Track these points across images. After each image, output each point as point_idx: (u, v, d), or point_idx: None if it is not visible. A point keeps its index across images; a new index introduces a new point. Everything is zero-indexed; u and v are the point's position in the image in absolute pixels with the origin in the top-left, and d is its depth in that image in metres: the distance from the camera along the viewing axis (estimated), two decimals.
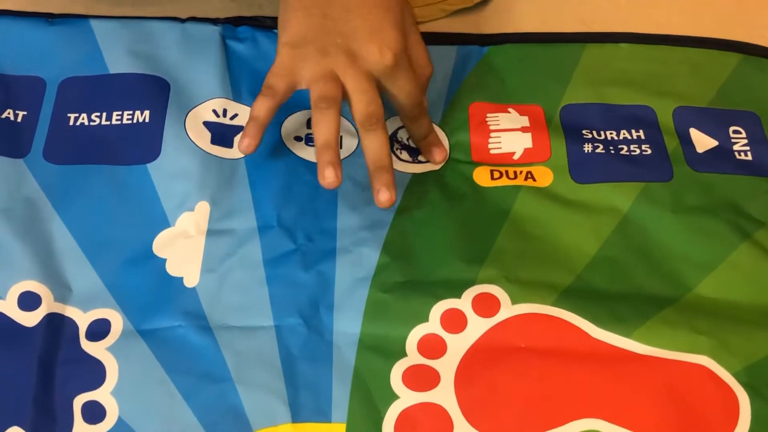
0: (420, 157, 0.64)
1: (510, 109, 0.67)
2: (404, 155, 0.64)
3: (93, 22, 0.68)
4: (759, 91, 0.69)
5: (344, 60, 0.58)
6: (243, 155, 0.63)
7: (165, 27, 0.69)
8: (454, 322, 0.57)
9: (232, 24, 0.69)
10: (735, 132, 0.67)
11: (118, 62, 0.66)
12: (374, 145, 0.58)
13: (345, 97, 0.58)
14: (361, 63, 0.58)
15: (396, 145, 0.65)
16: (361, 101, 0.58)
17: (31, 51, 0.67)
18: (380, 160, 0.58)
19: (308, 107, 0.64)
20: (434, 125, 0.65)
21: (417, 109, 0.61)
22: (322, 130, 0.57)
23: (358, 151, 0.64)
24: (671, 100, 0.68)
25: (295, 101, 0.64)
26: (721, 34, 0.72)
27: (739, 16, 0.74)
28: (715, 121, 0.67)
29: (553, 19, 0.73)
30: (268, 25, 0.69)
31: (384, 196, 0.57)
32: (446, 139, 0.65)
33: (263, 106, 0.58)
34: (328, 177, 0.56)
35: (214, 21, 0.69)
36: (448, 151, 0.65)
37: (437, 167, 0.64)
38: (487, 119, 0.66)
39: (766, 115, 0.67)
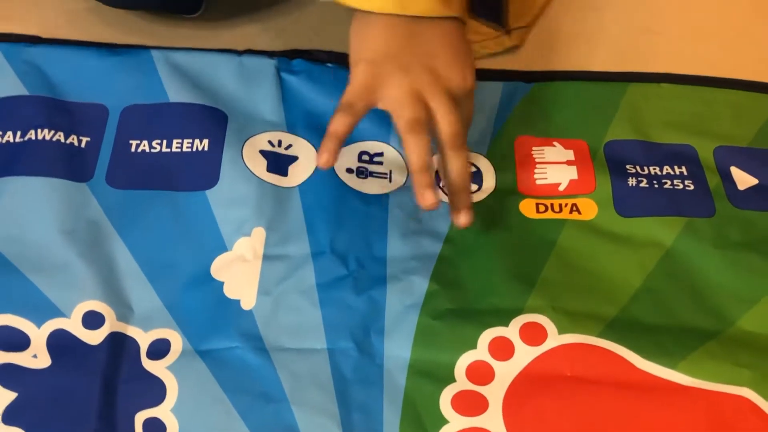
0: None
1: (555, 143, 0.69)
2: None
3: (154, 53, 0.71)
4: None
5: (428, 78, 0.59)
6: (296, 183, 0.65)
7: (223, 59, 0.71)
8: (502, 349, 0.58)
9: (287, 57, 0.72)
10: None
11: (178, 91, 0.69)
12: (459, 165, 0.60)
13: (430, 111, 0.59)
14: (444, 82, 0.59)
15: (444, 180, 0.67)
16: (449, 122, 0.59)
17: (94, 79, 0.70)
18: (463, 181, 0.60)
19: (360, 140, 0.67)
20: (482, 156, 0.68)
21: (465, 137, 0.62)
22: (418, 155, 0.58)
23: (408, 184, 0.66)
24: (712, 139, 0.70)
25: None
26: (758, 72, 0.74)
27: None
28: (755, 159, 0.69)
29: (595, 56, 0.76)
30: (322, 58, 0.72)
31: (464, 219, 0.60)
32: (493, 170, 0.67)
33: (341, 122, 0.59)
34: (428, 199, 0.58)
35: (269, 54, 0.72)
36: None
37: (482, 197, 0.66)
38: (532, 152, 0.68)
39: None
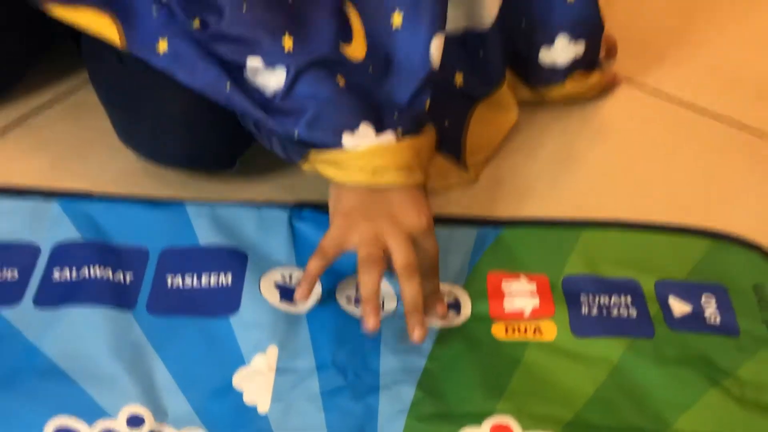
0: (450, 312, 0.79)
1: (521, 277, 0.82)
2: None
3: (188, 205, 0.86)
4: (727, 268, 0.84)
5: (388, 223, 0.74)
6: (304, 310, 0.78)
7: (244, 210, 0.86)
8: None
9: (298, 208, 0.86)
10: (706, 300, 0.81)
11: (207, 237, 0.83)
12: (411, 290, 0.72)
13: (387, 252, 0.73)
14: (402, 225, 0.74)
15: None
16: (401, 255, 0.73)
17: (137, 227, 0.84)
18: (416, 303, 0.72)
19: (357, 273, 0.80)
20: (460, 288, 0.81)
21: (436, 267, 0.77)
22: (367, 285, 0.72)
23: (398, 310, 0.79)
24: (653, 274, 0.83)
25: (347, 268, 0.80)
26: (695, 219, 0.89)
27: (710, 207, 0.91)
28: (690, 291, 0.82)
29: (555, 205, 0.90)
30: (326, 207, 0.86)
31: (417, 333, 0.72)
32: (469, 300, 0.80)
33: (316, 265, 0.74)
34: (369, 323, 0.70)
35: (283, 205, 0.87)
36: (447, 309, 0.78)
37: (460, 322, 0.79)
38: (502, 284, 0.82)
39: (732, 287, 0.82)
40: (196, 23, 0.76)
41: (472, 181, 0.92)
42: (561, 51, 0.96)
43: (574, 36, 0.95)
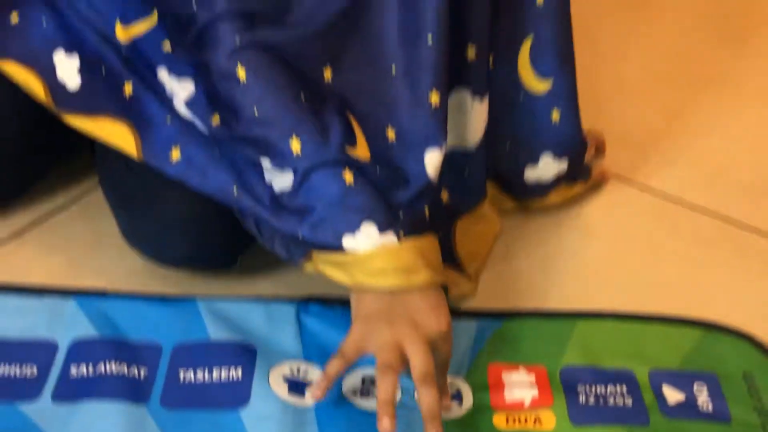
0: (452, 403, 0.82)
1: (520, 368, 0.86)
2: None
3: (199, 302, 0.90)
4: (717, 357, 0.88)
5: (408, 328, 0.75)
6: (313, 403, 0.81)
7: (253, 305, 0.90)
8: None
9: (304, 302, 0.90)
10: (698, 389, 0.84)
11: (218, 332, 0.87)
12: (429, 398, 0.73)
13: (406, 357, 0.74)
14: (422, 330, 0.76)
15: None
16: (420, 362, 0.74)
17: (151, 323, 0.88)
18: (433, 410, 0.73)
19: (364, 365, 0.83)
20: (461, 380, 0.84)
21: (447, 367, 0.80)
22: (384, 390, 0.73)
23: (404, 402, 0.82)
24: (647, 364, 0.87)
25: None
26: (683, 309, 0.92)
27: (699, 298, 0.95)
28: (682, 380, 0.85)
29: (550, 298, 0.94)
30: (331, 302, 0.90)
31: None
32: (471, 391, 0.84)
33: (335, 367, 0.76)
34: (384, 427, 0.71)
35: (290, 300, 0.90)
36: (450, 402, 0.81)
37: (462, 413, 0.82)
38: (502, 375, 0.85)
39: (723, 375, 0.86)
40: (216, 119, 0.80)
41: (474, 290, 0.94)
42: (545, 168, 1.00)
43: (558, 154, 0.99)
